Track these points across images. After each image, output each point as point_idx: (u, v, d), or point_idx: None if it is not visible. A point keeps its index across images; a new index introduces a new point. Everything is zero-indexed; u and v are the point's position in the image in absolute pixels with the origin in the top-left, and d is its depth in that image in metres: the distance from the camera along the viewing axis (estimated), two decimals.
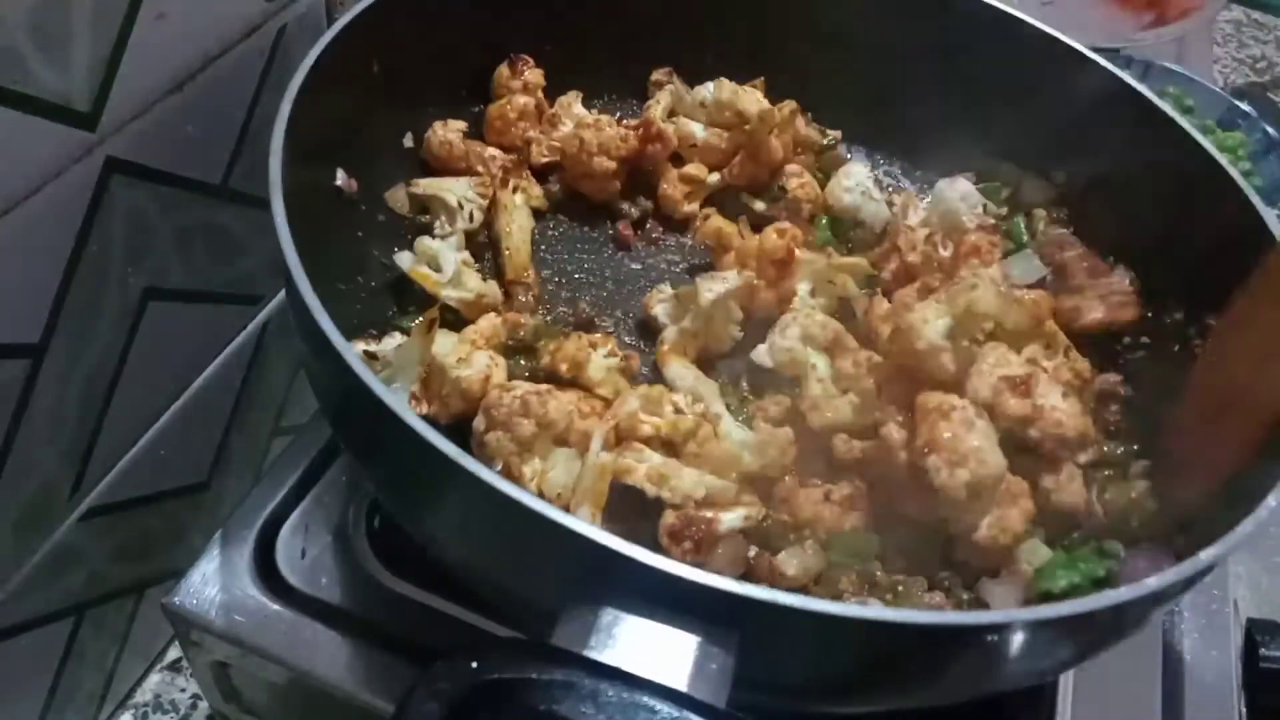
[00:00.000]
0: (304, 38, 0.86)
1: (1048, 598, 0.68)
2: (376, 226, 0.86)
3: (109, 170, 0.72)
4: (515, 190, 0.89)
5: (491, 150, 0.93)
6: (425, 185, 0.87)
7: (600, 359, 0.77)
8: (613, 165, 0.92)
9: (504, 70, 0.95)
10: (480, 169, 0.91)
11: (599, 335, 0.80)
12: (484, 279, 0.84)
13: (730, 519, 0.68)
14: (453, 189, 0.87)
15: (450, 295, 0.81)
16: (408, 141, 0.91)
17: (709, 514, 0.67)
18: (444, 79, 0.92)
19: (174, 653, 0.96)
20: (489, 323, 0.79)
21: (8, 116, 0.63)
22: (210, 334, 0.90)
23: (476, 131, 0.95)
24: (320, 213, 0.77)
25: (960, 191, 0.90)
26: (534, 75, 0.96)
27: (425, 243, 0.84)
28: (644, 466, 0.69)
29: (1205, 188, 0.82)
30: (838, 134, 1.02)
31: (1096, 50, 0.92)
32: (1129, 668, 0.80)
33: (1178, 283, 0.85)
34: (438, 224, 0.87)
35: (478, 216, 0.87)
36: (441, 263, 0.82)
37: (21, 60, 0.62)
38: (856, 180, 0.95)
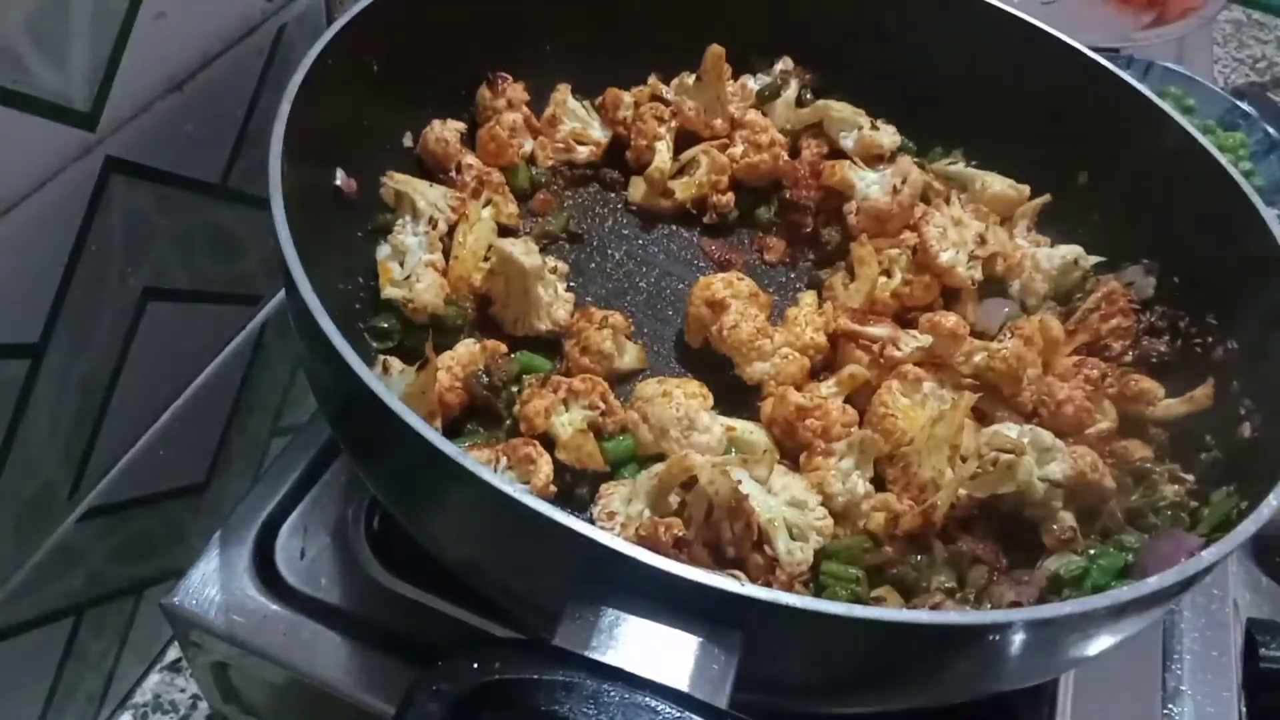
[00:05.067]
0: (304, 37, 0.86)
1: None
2: (376, 226, 0.86)
3: (108, 170, 0.72)
4: (486, 204, 0.88)
5: (470, 159, 0.91)
6: (400, 181, 0.85)
7: (567, 416, 0.74)
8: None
9: (485, 92, 0.94)
10: (456, 176, 0.89)
11: (576, 380, 0.76)
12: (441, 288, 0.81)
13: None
14: (425, 194, 0.85)
15: (392, 293, 0.80)
16: (407, 141, 0.91)
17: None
18: (443, 79, 0.92)
19: (174, 653, 0.96)
20: (466, 349, 0.78)
21: (7, 116, 0.63)
22: (210, 334, 0.90)
23: (475, 132, 0.95)
24: (320, 213, 0.77)
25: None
26: (515, 91, 0.94)
27: (398, 237, 0.83)
28: None
29: (1205, 187, 0.82)
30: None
31: (1097, 50, 0.92)
32: (1129, 668, 0.80)
33: (1178, 283, 0.85)
34: (399, 223, 0.85)
35: (442, 227, 0.84)
36: (406, 260, 0.82)
37: (21, 60, 0.62)
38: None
